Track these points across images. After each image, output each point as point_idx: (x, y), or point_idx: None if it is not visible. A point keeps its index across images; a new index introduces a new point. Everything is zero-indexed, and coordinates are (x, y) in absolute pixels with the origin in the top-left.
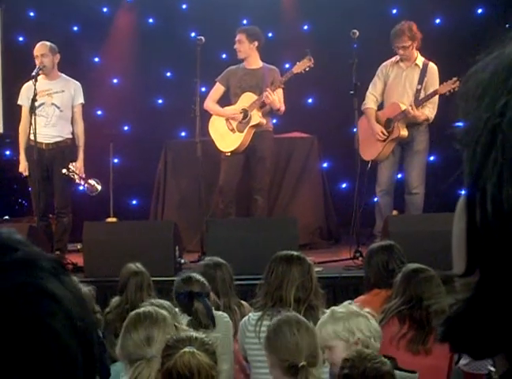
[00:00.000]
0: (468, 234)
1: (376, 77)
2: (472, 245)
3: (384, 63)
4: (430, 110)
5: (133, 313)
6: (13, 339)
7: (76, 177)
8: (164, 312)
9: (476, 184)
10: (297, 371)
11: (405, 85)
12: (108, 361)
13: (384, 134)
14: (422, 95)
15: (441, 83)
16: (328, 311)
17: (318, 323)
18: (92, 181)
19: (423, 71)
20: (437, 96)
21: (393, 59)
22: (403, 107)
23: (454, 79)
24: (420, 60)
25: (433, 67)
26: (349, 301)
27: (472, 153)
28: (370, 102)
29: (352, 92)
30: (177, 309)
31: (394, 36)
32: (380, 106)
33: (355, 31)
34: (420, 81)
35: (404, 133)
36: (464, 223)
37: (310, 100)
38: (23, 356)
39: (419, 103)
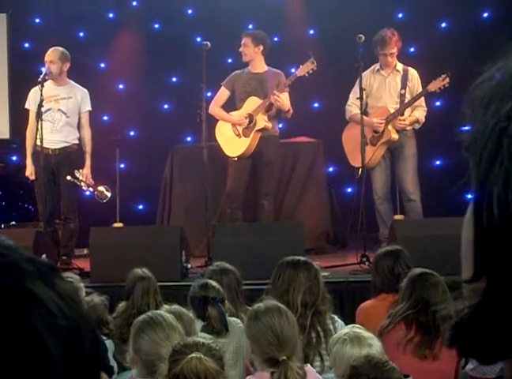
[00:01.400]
0: (476, 238)
1: (356, 87)
2: (479, 250)
3: (363, 73)
4: (420, 113)
5: (144, 316)
6: None
7: (83, 184)
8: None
9: (483, 188)
10: (277, 364)
11: (390, 92)
12: (109, 361)
13: (381, 123)
14: (407, 99)
15: (430, 81)
16: (346, 332)
17: (341, 342)
18: (101, 188)
19: (405, 76)
20: (423, 100)
21: (373, 68)
22: (392, 111)
23: (443, 76)
24: (400, 66)
25: (414, 72)
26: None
27: (478, 158)
28: (355, 109)
29: (358, 97)
30: (191, 315)
31: (382, 44)
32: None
33: (361, 35)
34: (403, 86)
35: (395, 136)
36: (471, 228)
37: (316, 104)
38: None
39: (405, 106)
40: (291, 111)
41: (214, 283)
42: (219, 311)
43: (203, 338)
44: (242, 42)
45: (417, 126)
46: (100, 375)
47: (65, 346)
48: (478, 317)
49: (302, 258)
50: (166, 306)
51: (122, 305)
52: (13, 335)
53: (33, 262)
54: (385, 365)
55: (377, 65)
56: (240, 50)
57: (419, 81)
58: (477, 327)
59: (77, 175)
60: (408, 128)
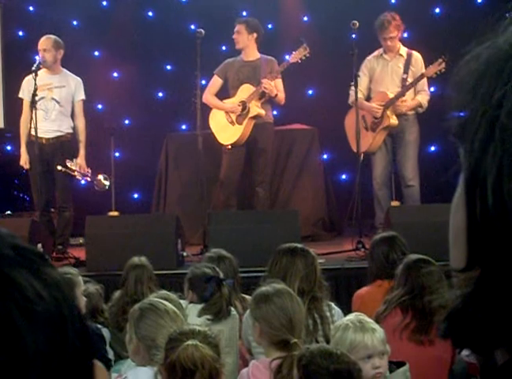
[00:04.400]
0: (469, 228)
1: (361, 72)
2: (472, 240)
3: (367, 58)
4: (423, 97)
5: (143, 303)
6: None
7: (76, 173)
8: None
9: (476, 177)
10: (286, 346)
11: (392, 76)
12: (107, 353)
13: (378, 108)
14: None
15: (427, 66)
16: (348, 318)
17: (343, 328)
18: (99, 177)
19: (408, 60)
20: (425, 82)
21: (376, 53)
22: (391, 96)
23: (440, 60)
24: (403, 50)
25: (417, 56)
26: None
27: (469, 146)
28: (357, 94)
29: (352, 83)
30: (183, 301)
31: (381, 28)
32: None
33: (355, 22)
34: (406, 70)
35: (394, 121)
36: (461, 214)
37: (310, 92)
38: None
39: (405, 89)
40: (282, 97)
41: (218, 269)
42: (229, 291)
43: (199, 326)
44: (236, 29)
45: (420, 111)
46: (92, 365)
47: (43, 332)
48: (471, 306)
49: (299, 245)
50: (153, 294)
51: (117, 293)
52: None
53: (19, 249)
54: (339, 355)
55: (381, 50)
56: (234, 37)
57: (423, 65)
58: (470, 317)
59: (69, 165)
60: (409, 112)
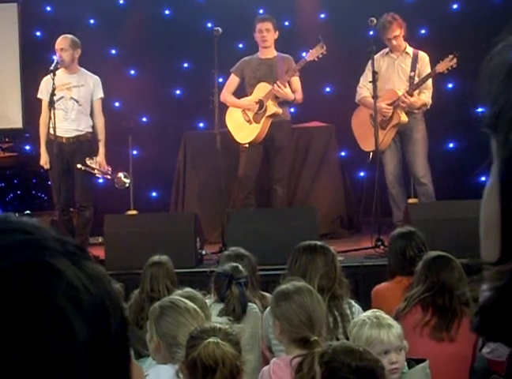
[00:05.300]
0: (503, 220)
1: (367, 70)
2: (507, 232)
3: (374, 56)
4: (426, 96)
5: (163, 301)
6: (10, 311)
7: (96, 172)
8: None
9: (510, 169)
10: (306, 344)
11: (399, 74)
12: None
13: (388, 109)
14: (416, 81)
15: (437, 62)
16: (365, 315)
17: (359, 325)
18: (120, 175)
19: (415, 59)
20: (430, 82)
21: (383, 51)
22: (400, 93)
23: (451, 56)
24: (410, 49)
25: (424, 55)
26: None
27: (504, 138)
28: (365, 92)
29: (370, 80)
30: (208, 300)
31: (384, 29)
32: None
33: (372, 19)
34: (413, 68)
35: (405, 118)
36: (493, 207)
37: (327, 89)
38: (18, 327)
39: (414, 87)
40: (299, 98)
41: (241, 268)
42: (240, 290)
43: (220, 323)
44: (265, 27)
45: (424, 109)
46: (130, 360)
47: (89, 322)
48: (504, 299)
49: (318, 243)
50: (178, 291)
51: (136, 291)
52: (35, 308)
53: (61, 242)
54: (362, 352)
55: (387, 49)
56: (263, 35)
57: (428, 64)
58: (504, 310)
59: (89, 163)
60: (416, 110)
